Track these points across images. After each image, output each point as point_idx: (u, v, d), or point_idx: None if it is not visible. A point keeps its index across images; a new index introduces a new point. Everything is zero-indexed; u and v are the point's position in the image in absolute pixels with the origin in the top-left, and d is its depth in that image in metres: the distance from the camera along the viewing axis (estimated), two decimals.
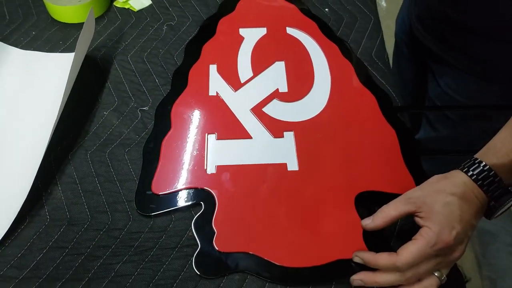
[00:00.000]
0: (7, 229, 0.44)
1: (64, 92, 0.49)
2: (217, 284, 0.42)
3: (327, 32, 0.67)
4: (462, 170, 0.42)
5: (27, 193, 0.45)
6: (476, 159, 0.43)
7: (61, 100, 0.48)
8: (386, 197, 0.48)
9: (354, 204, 0.48)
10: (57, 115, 0.48)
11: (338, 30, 0.68)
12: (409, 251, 0.40)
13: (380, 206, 0.47)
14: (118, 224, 0.46)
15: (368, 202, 0.48)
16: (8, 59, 0.61)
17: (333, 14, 0.71)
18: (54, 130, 0.49)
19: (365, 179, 0.50)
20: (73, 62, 0.50)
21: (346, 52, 0.64)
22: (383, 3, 0.91)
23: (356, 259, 0.43)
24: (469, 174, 0.42)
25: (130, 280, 0.42)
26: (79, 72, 0.56)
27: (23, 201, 0.45)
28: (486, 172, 0.41)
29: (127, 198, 0.48)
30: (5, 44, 0.62)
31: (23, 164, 0.47)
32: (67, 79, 0.50)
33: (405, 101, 0.89)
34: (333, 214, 0.47)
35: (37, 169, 0.46)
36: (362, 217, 0.46)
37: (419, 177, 0.49)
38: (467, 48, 0.62)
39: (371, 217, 0.44)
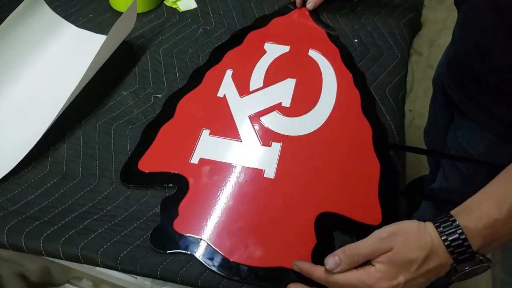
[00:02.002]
0: (12, 167, 0.52)
1: (89, 67, 0.56)
2: (164, 259, 0.46)
3: (347, 60, 0.69)
4: (434, 224, 0.41)
5: (36, 142, 0.53)
6: (451, 216, 0.41)
7: (84, 73, 0.56)
8: (349, 223, 0.50)
9: (314, 221, 0.50)
10: (78, 85, 0.56)
11: (360, 61, 0.70)
12: (347, 275, 0.41)
13: (340, 229, 0.49)
14: (101, 187, 0.52)
15: (330, 223, 0.50)
16: (63, 33, 0.70)
17: (361, 46, 0.73)
18: (77, 97, 0.57)
19: (333, 200, 0.51)
20: (103, 44, 0.58)
21: (359, 82, 0.66)
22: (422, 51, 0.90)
23: (295, 267, 0.45)
24: (439, 230, 0.40)
25: (93, 235, 0.47)
26: (114, 53, 0.64)
27: (30, 148, 0.52)
28: (456, 235, 0.39)
29: (116, 168, 0.54)
30: (65, 21, 0.72)
31: (41, 117, 0.55)
32: (96, 56, 0.57)
33: (435, 146, 0.88)
34: (290, 226, 0.49)
35: (50, 124, 0.54)
36: (318, 235, 0.48)
37: (389, 215, 0.50)
38: (487, 103, 0.61)
39: (336, 257, 0.42)
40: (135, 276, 0.47)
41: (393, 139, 0.60)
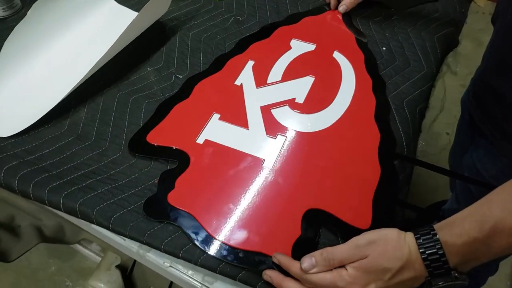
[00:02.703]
0: (33, 122, 0.56)
1: (116, 41, 0.59)
2: (152, 226, 0.48)
3: (370, 66, 0.69)
4: (415, 235, 0.41)
5: (58, 102, 0.57)
6: (433, 229, 0.40)
7: (110, 46, 0.59)
8: (337, 222, 0.50)
9: (303, 215, 0.50)
10: (104, 56, 0.59)
11: (384, 69, 0.70)
12: (320, 276, 0.42)
13: (327, 227, 0.50)
14: (109, 152, 0.55)
15: (318, 219, 0.50)
16: (103, 6, 0.75)
17: (388, 54, 0.72)
18: (104, 67, 0.61)
19: (325, 198, 0.52)
20: (132, 21, 0.61)
21: (378, 89, 0.65)
22: (458, 70, 0.88)
23: (274, 259, 0.46)
24: (418, 242, 0.40)
25: (92, 194, 0.50)
26: (146, 31, 0.67)
27: (52, 107, 0.56)
28: (434, 249, 0.39)
29: (126, 137, 0.57)
30: None
31: (67, 80, 0.59)
32: (124, 31, 0.60)
33: (457, 167, 0.86)
34: (278, 215, 0.50)
35: (73, 88, 0.57)
36: (303, 229, 0.49)
37: (379, 221, 0.50)
38: (504, 122, 0.60)
39: (313, 258, 0.43)
40: (124, 238, 0.49)
41: (402, 150, 0.60)
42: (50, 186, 0.51)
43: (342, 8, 0.76)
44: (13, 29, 0.66)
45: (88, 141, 0.57)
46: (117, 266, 0.93)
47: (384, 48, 0.73)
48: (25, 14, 0.69)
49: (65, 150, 0.55)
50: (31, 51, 0.64)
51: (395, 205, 0.53)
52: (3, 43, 0.65)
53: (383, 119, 0.61)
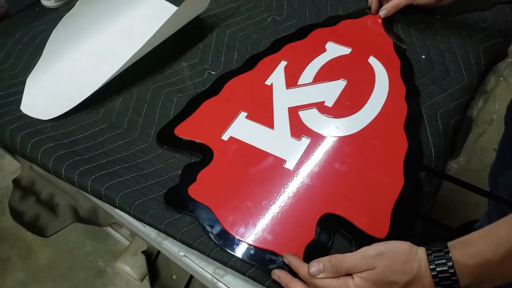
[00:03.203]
0: (71, 107, 0.59)
1: (154, 35, 0.62)
2: (171, 215, 0.50)
3: (406, 74, 0.67)
4: (426, 250, 0.40)
5: (95, 90, 0.60)
6: (446, 247, 0.39)
7: (148, 39, 0.62)
8: (352, 229, 0.50)
9: (319, 219, 0.50)
10: (141, 49, 0.62)
11: (420, 78, 0.68)
12: (327, 282, 0.42)
13: (342, 233, 0.49)
14: (138, 141, 0.58)
15: (334, 224, 0.50)
16: (149, 1, 0.78)
17: (427, 63, 0.70)
18: (142, 59, 0.63)
19: (343, 204, 0.51)
20: (170, 17, 0.63)
21: (411, 97, 0.64)
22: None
23: (285, 259, 0.46)
24: (429, 258, 0.39)
25: (118, 180, 0.53)
26: (184, 27, 0.69)
27: (89, 94, 0.60)
28: (445, 267, 0.38)
29: (155, 128, 0.60)
30: None
31: (106, 70, 0.62)
32: (162, 26, 0.62)
33: (495, 185, 0.82)
34: (294, 216, 0.50)
35: (110, 78, 0.60)
36: (317, 232, 0.49)
37: (396, 233, 0.49)
38: None
39: (321, 264, 0.43)
40: (144, 225, 0.51)
41: (430, 162, 0.58)
42: (81, 169, 0.54)
43: (382, 12, 0.74)
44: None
45: (120, 129, 0.59)
46: (143, 252, 0.97)
47: (423, 56, 0.71)
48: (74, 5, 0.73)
49: (98, 137, 0.58)
50: (75, 40, 0.67)
51: (415, 218, 0.52)
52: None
53: (413, 129, 0.60)
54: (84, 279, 1.22)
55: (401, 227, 0.50)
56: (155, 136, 0.58)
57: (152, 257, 0.96)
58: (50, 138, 0.57)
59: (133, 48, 0.62)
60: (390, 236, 0.49)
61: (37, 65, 0.65)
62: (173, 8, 0.77)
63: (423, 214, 0.53)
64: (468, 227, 1.15)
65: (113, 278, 1.20)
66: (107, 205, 0.53)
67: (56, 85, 0.64)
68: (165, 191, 0.52)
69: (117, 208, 0.51)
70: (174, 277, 0.91)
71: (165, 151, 0.57)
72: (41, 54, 0.65)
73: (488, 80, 0.77)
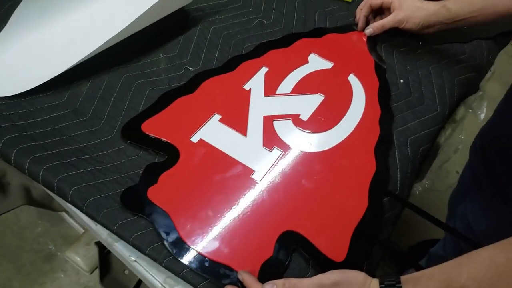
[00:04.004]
0: (32, 87, 0.56)
1: (132, 22, 0.58)
2: (125, 217, 0.48)
3: (383, 97, 0.67)
4: (380, 284, 0.41)
5: (61, 72, 0.56)
6: (399, 282, 0.40)
7: (127, 25, 0.58)
8: (311, 250, 0.49)
9: (279, 236, 0.49)
10: (118, 35, 0.58)
11: (396, 102, 0.68)
12: None
13: (300, 253, 0.48)
14: (101, 133, 0.55)
15: (293, 243, 0.49)
16: None
17: (404, 88, 0.70)
18: (117, 45, 0.60)
19: (305, 223, 0.50)
20: (153, 4, 0.60)
21: (385, 121, 0.63)
22: (482, 115, 0.85)
23: (239, 276, 0.45)
24: None
25: (73, 172, 0.50)
26: (167, 17, 0.66)
27: (54, 75, 0.56)
28: None
29: (122, 120, 0.57)
30: None
31: (77, 52, 0.58)
32: (144, 12, 0.59)
33: (454, 212, 0.83)
34: (254, 231, 0.49)
35: (79, 60, 0.57)
36: (276, 249, 0.48)
37: (354, 258, 0.49)
38: (501, 178, 0.58)
39: (275, 286, 0.43)
40: (96, 223, 0.48)
41: (395, 188, 0.58)
42: (34, 155, 0.50)
43: (368, 31, 0.74)
44: None
45: (83, 117, 0.56)
46: (96, 243, 0.93)
47: (401, 81, 0.71)
48: None
49: (58, 122, 0.55)
50: (46, 15, 0.63)
51: (374, 243, 0.52)
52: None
53: (382, 153, 0.59)
54: (31, 261, 1.16)
55: (359, 253, 0.49)
56: (120, 129, 0.56)
57: (106, 249, 0.92)
58: (4, 117, 0.53)
59: (110, 32, 0.58)
60: (348, 261, 0.48)
61: None
62: None
63: (382, 240, 0.53)
64: (424, 247, 1.18)
65: (63, 264, 1.15)
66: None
67: (18, 60, 0.59)
68: (122, 190, 0.50)
69: (68, 202, 0.48)
70: (126, 272, 0.88)
71: (129, 147, 0.54)
72: (6, 24, 0.61)
73: (457, 110, 0.78)
